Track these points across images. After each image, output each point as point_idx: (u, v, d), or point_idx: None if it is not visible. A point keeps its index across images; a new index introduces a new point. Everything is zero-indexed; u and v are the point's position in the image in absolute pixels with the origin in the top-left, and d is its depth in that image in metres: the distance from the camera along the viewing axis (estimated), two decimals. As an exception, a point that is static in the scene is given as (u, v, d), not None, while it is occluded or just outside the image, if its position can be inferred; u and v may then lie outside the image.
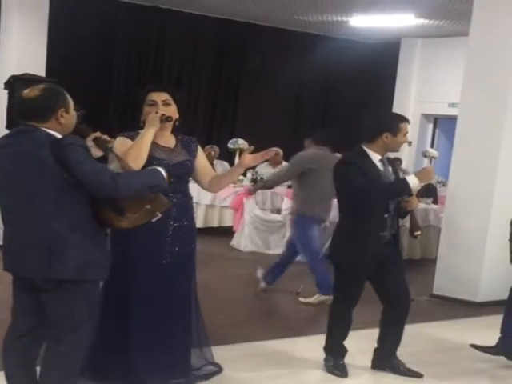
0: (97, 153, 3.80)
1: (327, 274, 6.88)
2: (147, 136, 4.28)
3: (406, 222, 9.05)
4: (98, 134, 3.87)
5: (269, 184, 8.45)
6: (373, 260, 5.02)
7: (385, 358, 5.32)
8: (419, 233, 5.24)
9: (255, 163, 4.64)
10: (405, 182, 4.89)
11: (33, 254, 3.61)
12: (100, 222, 3.69)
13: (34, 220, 3.59)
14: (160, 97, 4.44)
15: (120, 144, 4.34)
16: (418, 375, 5.28)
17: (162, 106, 4.41)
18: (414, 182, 4.87)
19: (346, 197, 5.07)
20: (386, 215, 4.98)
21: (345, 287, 5.15)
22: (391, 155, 5.30)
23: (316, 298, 7.25)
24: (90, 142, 3.80)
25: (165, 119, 4.36)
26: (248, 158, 4.54)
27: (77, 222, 3.60)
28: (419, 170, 5.03)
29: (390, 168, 5.08)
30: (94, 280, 3.79)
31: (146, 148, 4.26)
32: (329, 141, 7.53)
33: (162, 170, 3.77)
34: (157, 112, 4.33)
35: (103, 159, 3.78)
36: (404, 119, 5.07)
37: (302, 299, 7.37)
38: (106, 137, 3.89)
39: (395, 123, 5.00)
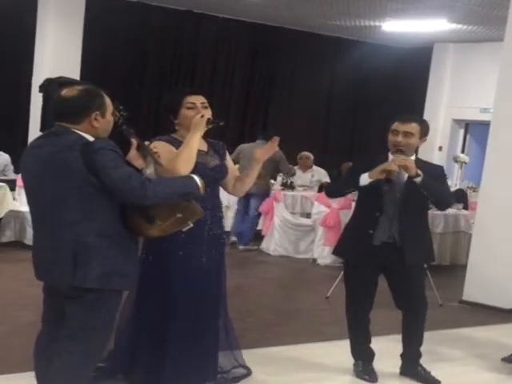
0: (140, 163, 3.70)
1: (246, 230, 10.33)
2: (195, 139, 4.20)
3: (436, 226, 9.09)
4: (142, 142, 3.79)
5: None
6: (366, 259, 5.00)
7: (407, 364, 5.32)
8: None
9: (268, 155, 4.62)
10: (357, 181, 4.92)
11: (58, 261, 3.50)
12: (129, 229, 3.58)
13: (59, 225, 3.48)
14: (198, 100, 4.39)
15: (160, 148, 4.24)
16: (435, 383, 5.25)
17: (201, 108, 4.36)
18: (364, 178, 4.87)
19: None
20: (377, 214, 4.95)
21: (347, 285, 5.19)
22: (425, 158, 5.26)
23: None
24: (133, 152, 3.71)
25: (211, 123, 4.31)
26: (260, 153, 4.58)
27: (104, 228, 3.48)
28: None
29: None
30: (118, 290, 3.67)
31: (195, 151, 4.20)
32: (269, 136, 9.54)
33: (196, 177, 3.68)
34: (202, 115, 4.26)
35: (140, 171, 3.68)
36: (395, 119, 5.04)
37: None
38: (147, 143, 3.82)
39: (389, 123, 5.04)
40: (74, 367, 3.60)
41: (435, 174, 5.03)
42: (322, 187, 11.87)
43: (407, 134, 4.91)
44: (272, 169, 10.41)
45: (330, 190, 5.51)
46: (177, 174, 4.10)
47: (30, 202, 3.67)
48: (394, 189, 4.93)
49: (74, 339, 3.59)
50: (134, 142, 3.75)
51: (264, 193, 10.37)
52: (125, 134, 3.75)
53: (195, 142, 4.21)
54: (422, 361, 5.36)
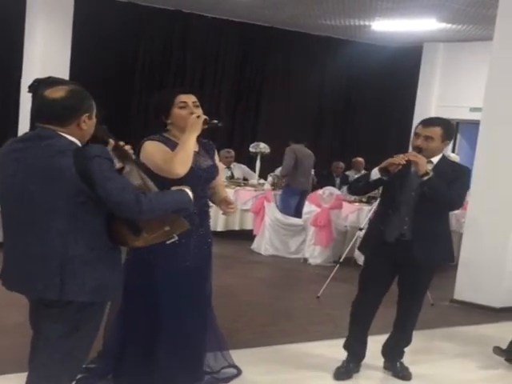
0: (116, 163, 3.42)
1: None
2: (192, 140, 4.18)
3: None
4: (119, 142, 3.55)
5: (283, 174, 11.48)
6: (379, 255, 5.04)
7: (386, 355, 5.37)
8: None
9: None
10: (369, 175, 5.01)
11: (42, 272, 3.25)
12: (113, 239, 3.38)
13: (46, 234, 3.24)
14: (190, 99, 4.36)
15: (154, 148, 4.24)
16: (406, 378, 5.28)
17: (193, 107, 4.33)
18: (375, 172, 4.92)
19: None
20: (389, 211, 4.98)
21: (360, 281, 5.21)
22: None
23: None
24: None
25: (207, 123, 4.29)
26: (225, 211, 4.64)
27: (93, 238, 3.28)
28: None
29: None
30: (106, 301, 3.55)
31: (192, 152, 4.19)
32: (303, 140, 11.70)
33: (189, 191, 3.53)
34: (198, 116, 4.25)
35: (121, 171, 3.45)
36: (419, 122, 5.08)
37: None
38: (128, 147, 3.58)
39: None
40: (53, 380, 3.41)
41: (455, 174, 5.02)
42: (313, 187, 11.91)
43: (427, 138, 4.94)
44: None
45: (350, 187, 5.59)
46: (174, 176, 4.08)
47: (6, 209, 3.40)
48: (409, 187, 4.95)
49: (51, 352, 3.38)
50: (112, 142, 3.52)
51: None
52: (99, 133, 3.50)
53: (192, 143, 4.19)
54: (414, 360, 5.37)
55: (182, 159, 4.12)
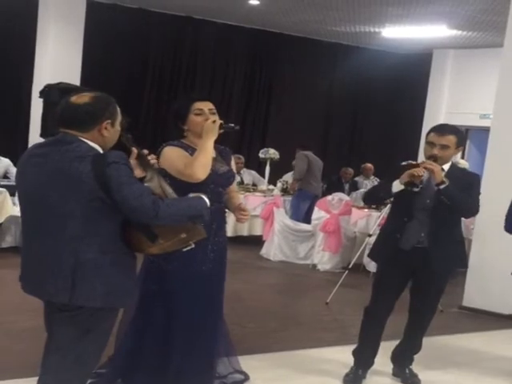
0: (139, 173, 3.43)
1: None
2: (209, 145, 4.24)
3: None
4: (143, 151, 3.54)
5: (298, 177, 11.50)
6: (394, 263, 5.02)
7: (396, 362, 5.37)
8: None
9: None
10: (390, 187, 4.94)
11: (54, 276, 3.27)
12: (128, 245, 3.38)
13: (61, 238, 3.25)
14: (206, 106, 4.41)
15: (174, 153, 4.30)
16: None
17: (209, 114, 4.38)
18: (396, 185, 4.87)
19: None
20: (405, 219, 4.97)
21: (374, 288, 5.18)
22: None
23: None
24: (132, 161, 3.42)
25: (223, 128, 4.34)
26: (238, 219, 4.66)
27: (106, 244, 3.28)
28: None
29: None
30: (118, 308, 3.54)
31: (211, 156, 4.26)
32: (310, 148, 11.72)
33: (206, 198, 3.49)
34: (214, 121, 4.29)
35: (142, 180, 3.43)
36: (430, 130, 5.05)
37: None
38: (152, 156, 3.59)
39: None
40: (63, 383, 3.42)
41: (467, 181, 5.02)
42: (322, 193, 11.92)
43: (443, 147, 4.90)
44: None
45: (366, 197, 5.54)
46: (195, 180, 4.14)
47: (25, 212, 3.44)
48: (424, 194, 4.94)
49: (62, 356, 3.38)
50: (135, 150, 3.51)
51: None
52: (123, 141, 3.51)
53: (210, 148, 4.25)
54: (423, 366, 5.36)
55: (202, 163, 4.18)
